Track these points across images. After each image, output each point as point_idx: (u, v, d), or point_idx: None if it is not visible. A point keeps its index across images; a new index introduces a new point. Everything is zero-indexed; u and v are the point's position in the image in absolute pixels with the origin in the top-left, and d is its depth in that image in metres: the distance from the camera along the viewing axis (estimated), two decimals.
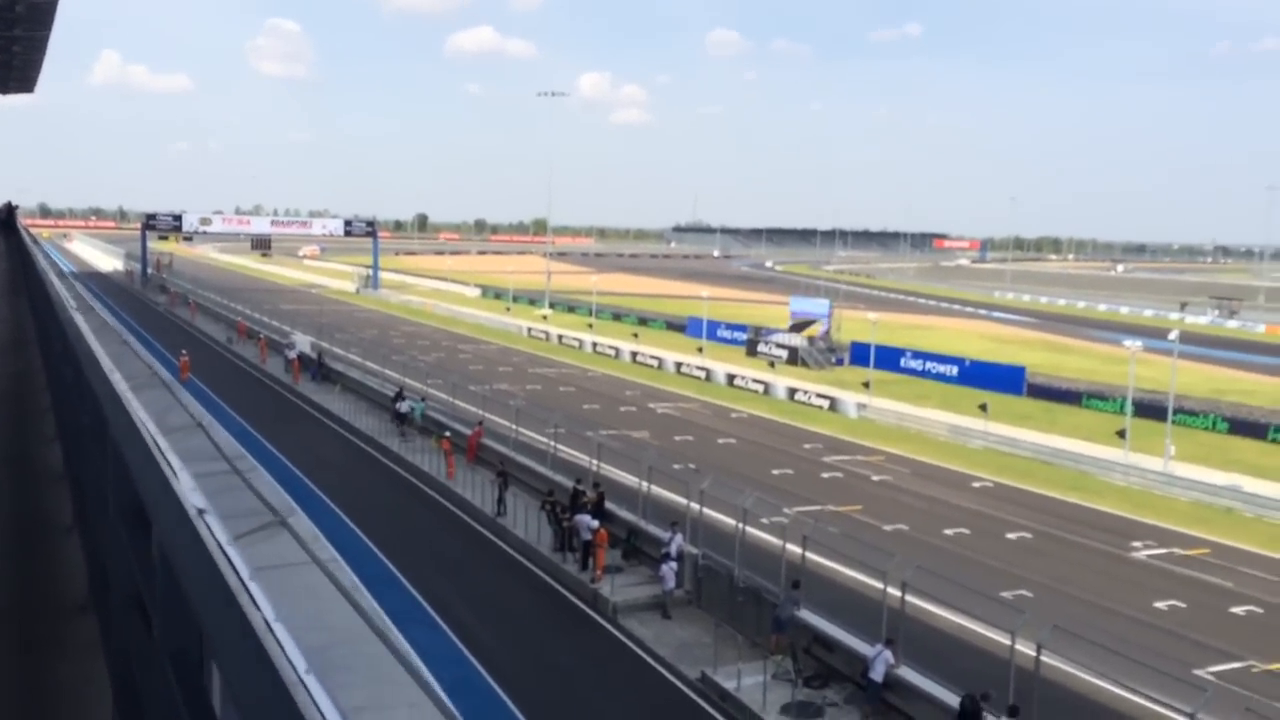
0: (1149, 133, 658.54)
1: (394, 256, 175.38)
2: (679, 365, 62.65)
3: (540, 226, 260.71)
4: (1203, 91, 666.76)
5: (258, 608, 2.74)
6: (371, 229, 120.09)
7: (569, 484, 28.03)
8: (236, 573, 2.94)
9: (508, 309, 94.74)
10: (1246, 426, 45.72)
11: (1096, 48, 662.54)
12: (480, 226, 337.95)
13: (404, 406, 40.12)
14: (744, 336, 71.64)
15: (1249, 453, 42.23)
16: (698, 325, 74.23)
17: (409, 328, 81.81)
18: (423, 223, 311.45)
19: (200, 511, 3.33)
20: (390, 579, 24.24)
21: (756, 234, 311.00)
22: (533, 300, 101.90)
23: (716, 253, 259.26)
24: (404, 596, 23.15)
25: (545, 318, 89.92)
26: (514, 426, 34.89)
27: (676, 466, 32.19)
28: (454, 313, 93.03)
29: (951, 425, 45.34)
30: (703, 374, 60.10)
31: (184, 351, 51.66)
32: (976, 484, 36.66)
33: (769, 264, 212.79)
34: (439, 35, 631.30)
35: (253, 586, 2.85)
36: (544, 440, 33.10)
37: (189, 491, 3.61)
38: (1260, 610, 24.59)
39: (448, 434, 34.99)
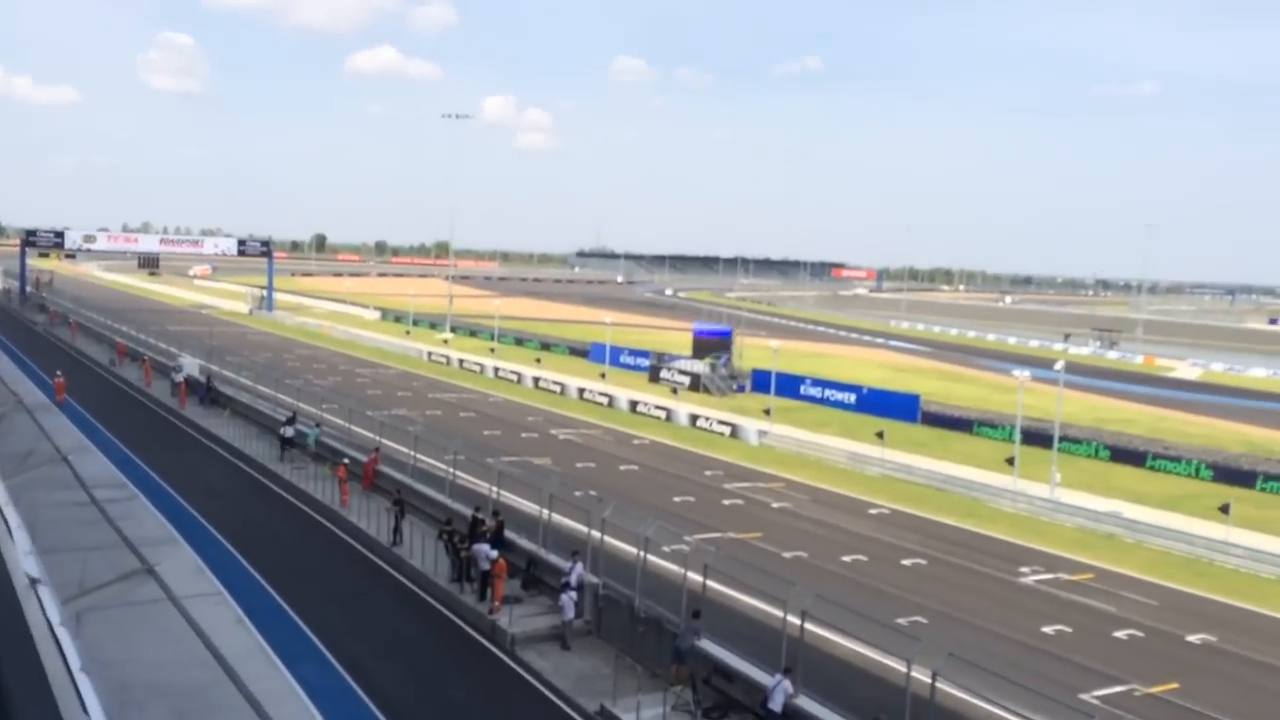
0: (1034, 170, 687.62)
1: (290, 277, 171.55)
2: (581, 391, 62.46)
3: (442, 249, 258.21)
4: (1084, 130, 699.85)
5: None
6: (266, 249, 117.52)
7: (468, 512, 27.53)
8: (66, 663, 2.65)
9: (408, 332, 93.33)
10: (1126, 454, 47.61)
11: (986, 86, 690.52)
12: (381, 248, 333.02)
13: (289, 431, 39.15)
14: (647, 362, 71.91)
15: (1129, 479, 43.95)
16: (601, 351, 74.18)
17: (305, 351, 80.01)
18: (321, 243, 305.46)
19: (33, 582, 3.03)
20: (278, 612, 23.39)
21: (660, 260, 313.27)
22: (434, 324, 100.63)
23: (620, 278, 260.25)
24: (292, 631, 22.35)
25: (446, 342, 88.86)
26: (412, 453, 34.20)
27: (578, 494, 31.95)
28: (352, 336, 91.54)
29: (850, 452, 46.13)
30: (605, 400, 60.04)
31: (59, 372, 49.62)
32: (874, 510, 37.29)
33: (669, 291, 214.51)
34: (339, 54, 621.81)
35: (82, 679, 2.58)
36: (443, 467, 32.49)
37: (23, 557, 3.29)
38: (1141, 634, 25.46)
39: (344, 461, 34.14)
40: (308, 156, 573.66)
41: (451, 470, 31.45)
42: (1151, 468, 46.01)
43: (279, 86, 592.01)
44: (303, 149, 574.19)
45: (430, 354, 79.33)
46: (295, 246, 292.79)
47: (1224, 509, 33.54)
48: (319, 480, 34.70)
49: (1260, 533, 34.45)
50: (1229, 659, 24.20)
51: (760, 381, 63.24)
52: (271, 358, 71.93)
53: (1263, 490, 41.84)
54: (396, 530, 28.57)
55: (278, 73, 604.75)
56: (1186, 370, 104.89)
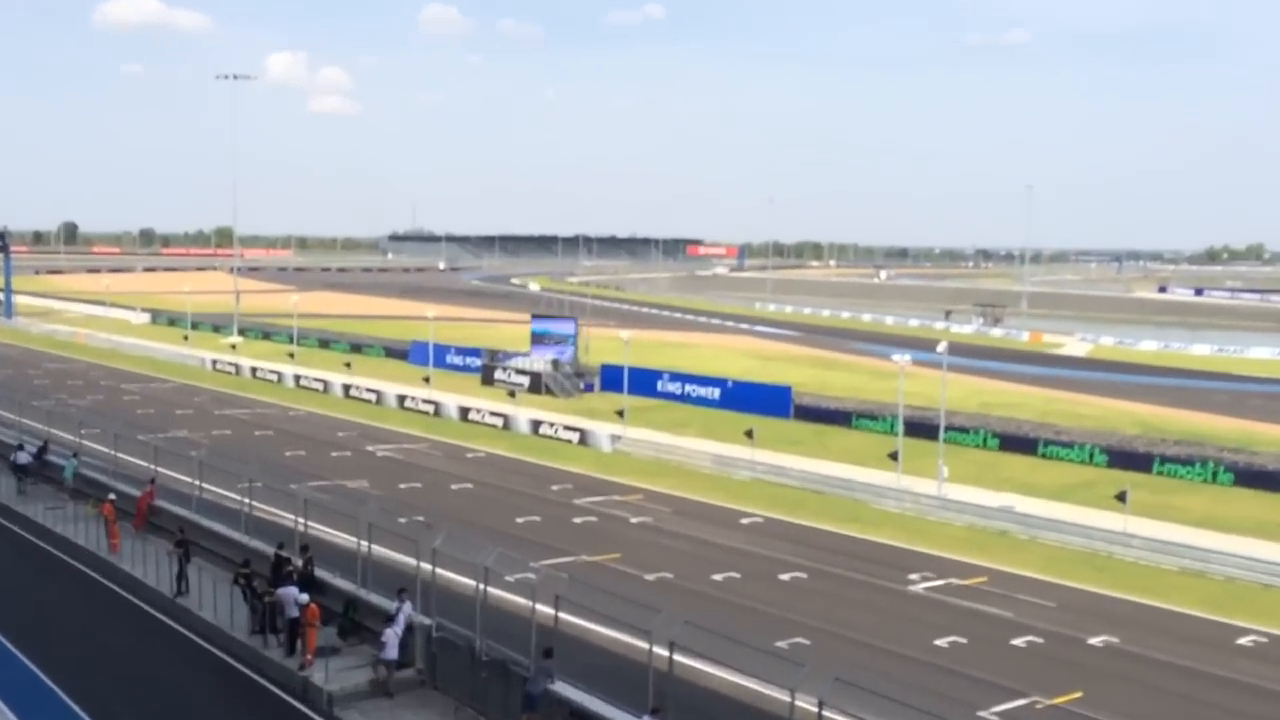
0: (904, 130, 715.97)
1: (34, 276, 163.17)
2: (402, 399, 61.65)
3: (224, 237, 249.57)
4: (956, 82, 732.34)
5: None
6: (2, 242, 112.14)
7: (270, 550, 26.73)
8: None
9: (185, 338, 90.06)
10: (1016, 442, 50.03)
11: (847, 36, 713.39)
12: (148, 238, 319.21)
13: (23, 457, 37.62)
14: (479, 363, 71.60)
15: (1020, 469, 46.24)
16: (423, 351, 73.29)
17: (55, 364, 76.37)
18: (71, 233, 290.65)
19: None
20: (34, 685, 22.21)
21: (488, 242, 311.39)
22: (218, 326, 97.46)
23: (442, 265, 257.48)
24: (55, 707, 21.23)
25: (234, 347, 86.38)
26: (197, 483, 32.96)
27: (403, 521, 31.58)
28: (116, 344, 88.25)
29: (716, 455, 46.93)
30: (431, 408, 59.51)
31: None
32: (745, 520, 38.04)
33: (482, 277, 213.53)
34: (85, 2, 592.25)
35: None
36: (236, 498, 31.38)
37: None
38: (1040, 640, 26.80)
39: (110, 497, 32.73)
40: (50, 128, 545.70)
41: (247, 501, 30.39)
42: (1043, 455, 48.45)
43: (4, 44, 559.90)
44: (43, 120, 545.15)
45: (215, 362, 76.98)
46: (39, 238, 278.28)
47: (1120, 497, 35.61)
48: (80, 521, 33.16)
49: (1159, 520, 36.80)
50: (1132, 661, 25.72)
51: (611, 379, 63.66)
52: (13, 375, 68.57)
53: (1160, 474, 44.60)
54: (181, 577, 27.55)
55: (2, 25, 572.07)
56: (1075, 346, 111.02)
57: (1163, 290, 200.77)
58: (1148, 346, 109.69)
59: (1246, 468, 43.66)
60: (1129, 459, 46.08)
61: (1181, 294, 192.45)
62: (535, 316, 76.34)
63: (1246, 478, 42.85)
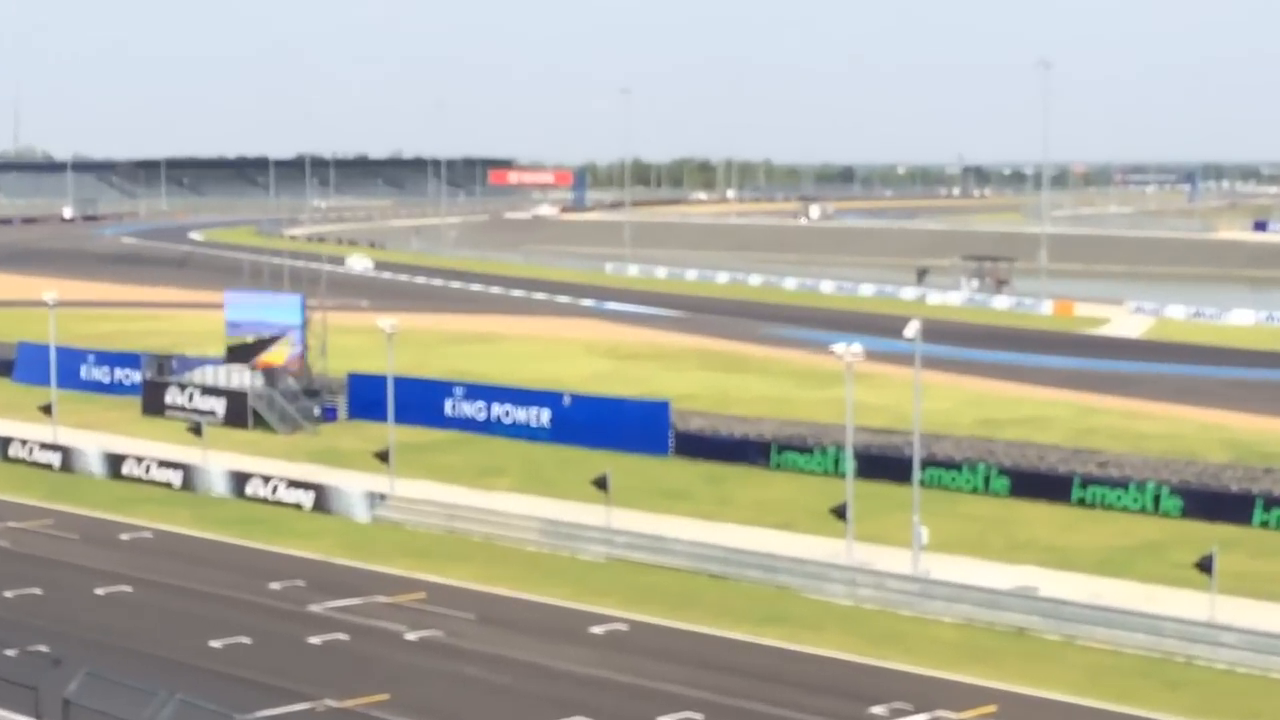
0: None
1: None
2: (5, 443, 60.39)
3: None
4: None
5: None
6: None
7: None
8: None
9: None
10: (1037, 482, 50.99)
11: None
12: None
13: None
14: (137, 378, 70.32)
15: (1045, 526, 47.18)
16: (37, 360, 71.46)
17: None
18: None
19: None
20: None
21: (148, 170, 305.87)
22: None
23: (69, 211, 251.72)
24: None
25: None
26: None
27: (11, 653, 31.02)
28: None
29: (547, 521, 46.68)
30: (56, 458, 58.35)
31: None
32: (599, 629, 37.97)
33: (139, 230, 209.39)
34: None
35: None
36: None
37: None
38: None
39: None
40: None
41: None
42: (1081, 502, 49.43)
43: None
44: None
45: None
46: None
47: (1204, 565, 36.57)
48: None
49: (1267, 600, 37.84)
50: None
51: (366, 398, 62.87)
52: None
53: (1266, 526, 46.03)
54: None
55: None
56: (1126, 321, 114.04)
57: (1261, 227, 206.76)
58: (1240, 319, 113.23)
59: None
60: (1216, 504, 47.37)
61: None
62: (232, 293, 74.98)
63: None
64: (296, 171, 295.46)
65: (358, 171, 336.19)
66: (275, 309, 70.49)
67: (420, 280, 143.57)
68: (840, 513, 42.53)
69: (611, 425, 59.60)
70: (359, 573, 43.37)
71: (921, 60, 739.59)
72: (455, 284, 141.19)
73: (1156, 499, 48.37)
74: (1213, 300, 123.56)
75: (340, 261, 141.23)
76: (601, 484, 46.26)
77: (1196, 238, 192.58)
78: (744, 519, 47.74)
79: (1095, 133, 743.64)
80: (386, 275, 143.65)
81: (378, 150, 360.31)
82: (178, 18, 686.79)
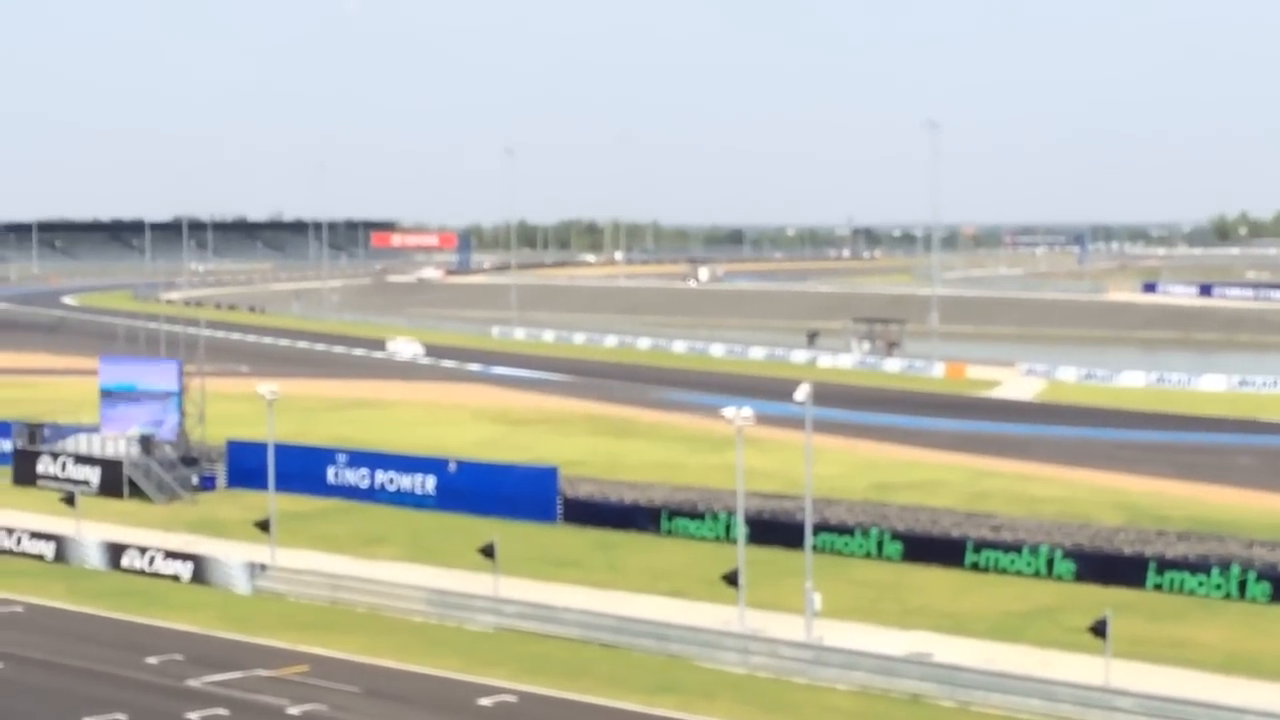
0: (725, 43, 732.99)
1: None
2: None
3: None
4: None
5: None
6: None
7: None
8: None
9: None
10: (931, 547, 51.43)
11: None
12: None
13: None
14: (8, 446, 69.51)
15: (939, 591, 47.54)
16: None
17: None
18: None
19: None
20: None
21: (17, 233, 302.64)
22: None
23: None
24: None
25: None
26: None
27: None
28: None
29: (434, 590, 46.53)
30: None
31: None
32: (488, 701, 37.75)
33: (9, 294, 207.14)
34: None
35: None
36: None
37: None
38: None
39: None
40: None
41: None
42: (975, 567, 49.90)
43: None
44: None
45: None
46: None
47: (1098, 629, 36.92)
48: None
49: (1160, 664, 38.35)
50: None
51: (246, 465, 62.51)
52: None
53: (1159, 589, 46.67)
54: None
55: None
56: (1018, 383, 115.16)
57: (1150, 289, 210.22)
58: (1131, 380, 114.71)
59: None
60: (1110, 567, 48.02)
61: (1180, 294, 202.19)
62: (107, 359, 74.22)
63: None
64: (173, 234, 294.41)
65: (237, 234, 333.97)
66: (150, 372, 69.97)
67: (302, 345, 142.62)
68: (732, 579, 42.61)
69: (499, 492, 59.44)
70: (239, 645, 42.88)
71: (810, 121, 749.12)
72: (338, 349, 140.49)
73: (1050, 563, 48.91)
74: (1104, 362, 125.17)
75: (380, 346, 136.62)
76: (489, 552, 46.15)
77: (1087, 299, 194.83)
78: (635, 587, 47.75)
79: (985, 195, 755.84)
80: (267, 340, 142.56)
81: (257, 212, 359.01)
82: (48, 77, 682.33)
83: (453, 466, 62.12)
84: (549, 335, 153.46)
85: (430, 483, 61.83)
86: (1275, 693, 36.13)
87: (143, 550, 52.42)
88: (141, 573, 51.60)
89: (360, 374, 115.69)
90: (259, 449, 56.63)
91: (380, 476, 63.13)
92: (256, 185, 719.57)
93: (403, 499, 61.80)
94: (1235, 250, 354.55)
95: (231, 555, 50.87)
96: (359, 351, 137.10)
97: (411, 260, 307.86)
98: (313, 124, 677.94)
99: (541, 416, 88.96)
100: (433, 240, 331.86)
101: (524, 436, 78.14)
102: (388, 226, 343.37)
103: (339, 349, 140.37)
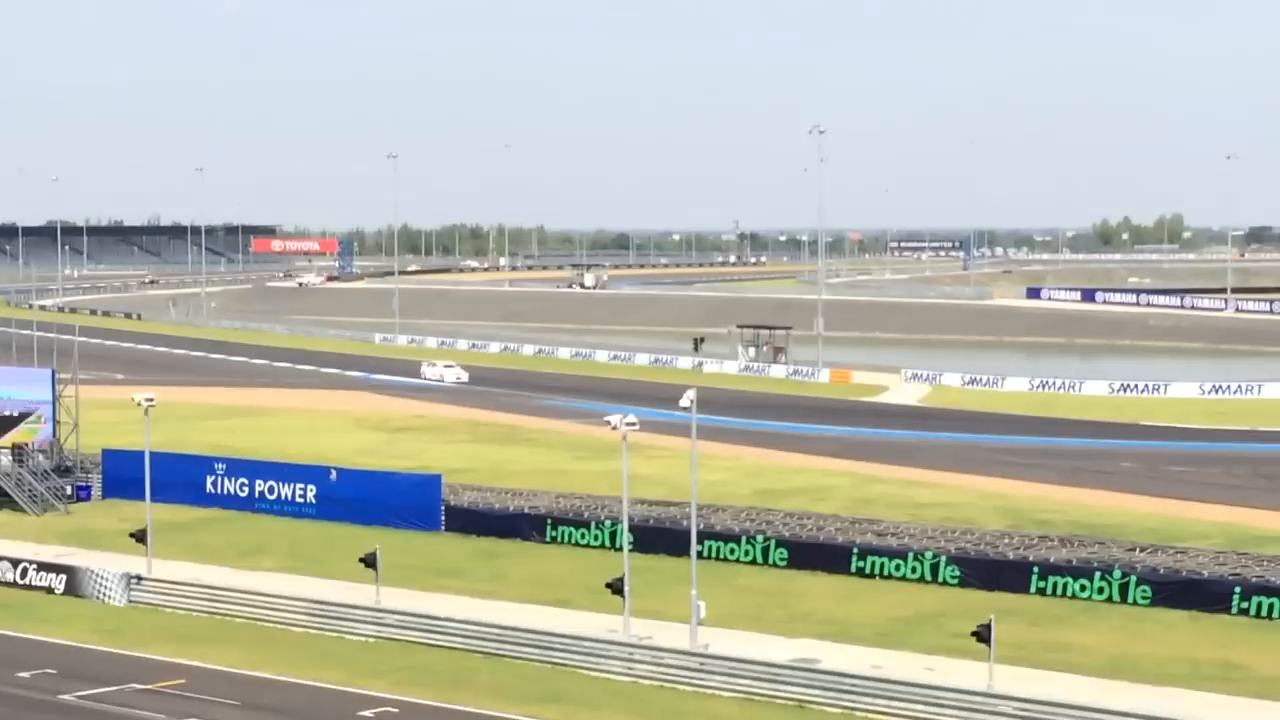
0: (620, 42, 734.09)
1: None
2: None
3: None
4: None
5: None
6: None
7: None
8: None
9: None
10: (816, 553, 51.72)
11: None
12: None
13: None
14: None
15: (824, 597, 47.84)
16: None
17: None
18: None
19: None
20: None
21: None
22: None
23: None
24: None
25: None
26: None
27: None
28: None
29: (314, 601, 46.30)
30: None
31: None
32: (370, 713, 37.61)
33: None
34: None
35: None
36: None
37: None
38: None
39: None
40: None
41: None
42: (859, 572, 50.22)
43: None
44: None
45: None
46: None
47: (981, 635, 37.28)
48: None
49: (1043, 669, 38.75)
50: None
51: (121, 475, 61.89)
52: None
53: (1042, 593, 47.22)
54: None
55: None
56: (903, 389, 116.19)
57: (1034, 294, 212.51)
58: (1015, 385, 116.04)
59: (1172, 577, 46.70)
60: (993, 571, 48.50)
61: (1063, 299, 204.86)
62: None
63: (1172, 591, 45.84)
64: (47, 239, 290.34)
65: (113, 239, 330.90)
66: (20, 381, 68.99)
67: (179, 352, 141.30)
68: (617, 588, 42.62)
69: (381, 500, 59.19)
70: (114, 659, 42.45)
71: (696, 125, 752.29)
72: (216, 356, 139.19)
73: (935, 568, 49.37)
74: (988, 367, 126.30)
75: (417, 370, 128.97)
76: (370, 562, 45.92)
77: (972, 304, 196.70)
78: (518, 596, 47.68)
79: (871, 201, 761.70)
80: (144, 346, 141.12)
81: (134, 217, 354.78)
82: None
83: (334, 475, 61.82)
84: (432, 342, 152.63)
85: (311, 492, 61.44)
86: (1157, 696, 36.66)
87: (14, 563, 51.68)
88: (13, 585, 50.85)
89: (239, 382, 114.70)
90: (135, 458, 55.98)
91: (260, 486, 62.64)
92: (133, 189, 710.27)
93: (283, 508, 61.37)
94: (1118, 256, 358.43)
95: (107, 567, 50.21)
96: (238, 359, 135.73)
97: (292, 265, 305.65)
98: (191, 128, 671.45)
99: (424, 424, 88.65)
100: (314, 245, 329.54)
101: (406, 444, 77.84)
102: (268, 231, 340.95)
103: (217, 356, 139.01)
